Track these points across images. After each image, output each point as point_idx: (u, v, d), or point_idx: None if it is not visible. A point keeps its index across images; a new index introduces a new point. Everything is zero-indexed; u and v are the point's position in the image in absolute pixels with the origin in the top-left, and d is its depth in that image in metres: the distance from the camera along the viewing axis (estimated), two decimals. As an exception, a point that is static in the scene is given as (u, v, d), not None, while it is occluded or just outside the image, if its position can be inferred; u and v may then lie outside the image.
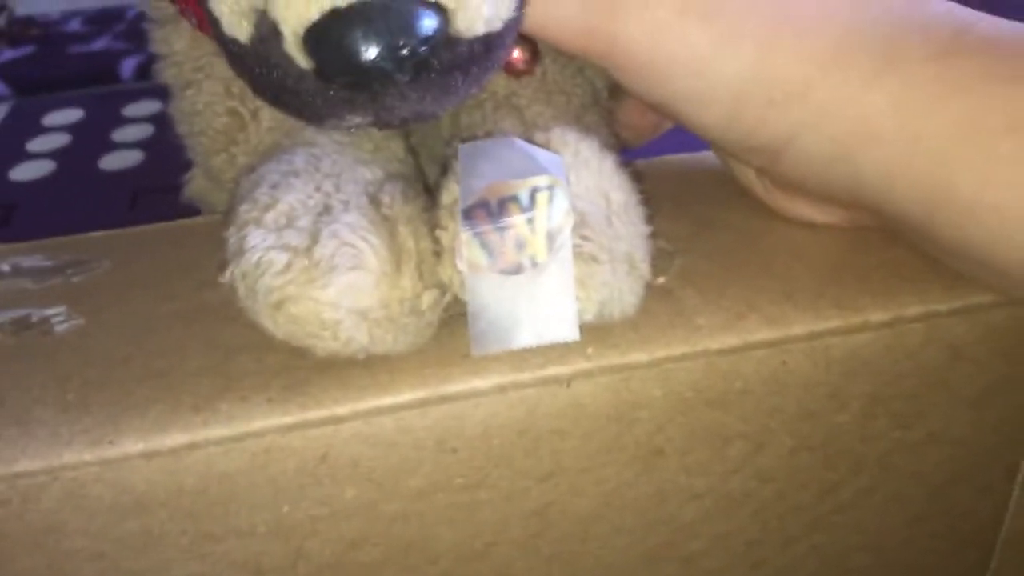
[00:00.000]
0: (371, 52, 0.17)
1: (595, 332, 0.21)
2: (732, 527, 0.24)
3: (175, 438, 0.19)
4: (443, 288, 0.20)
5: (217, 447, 0.20)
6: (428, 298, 0.20)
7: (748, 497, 0.24)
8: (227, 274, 0.19)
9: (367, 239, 0.19)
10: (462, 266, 0.19)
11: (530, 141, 0.20)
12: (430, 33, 0.17)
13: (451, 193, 0.20)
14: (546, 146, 0.20)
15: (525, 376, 0.21)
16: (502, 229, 0.19)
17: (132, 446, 0.19)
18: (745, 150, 0.23)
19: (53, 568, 0.20)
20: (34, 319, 0.23)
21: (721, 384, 0.22)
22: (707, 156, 0.28)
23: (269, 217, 0.19)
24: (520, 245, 0.19)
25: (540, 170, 0.19)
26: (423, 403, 0.21)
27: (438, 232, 0.20)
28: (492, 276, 0.19)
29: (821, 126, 0.21)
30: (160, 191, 0.31)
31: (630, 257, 0.20)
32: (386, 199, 0.20)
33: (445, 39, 0.18)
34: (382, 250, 0.19)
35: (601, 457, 0.22)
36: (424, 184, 0.23)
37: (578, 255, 0.19)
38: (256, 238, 0.19)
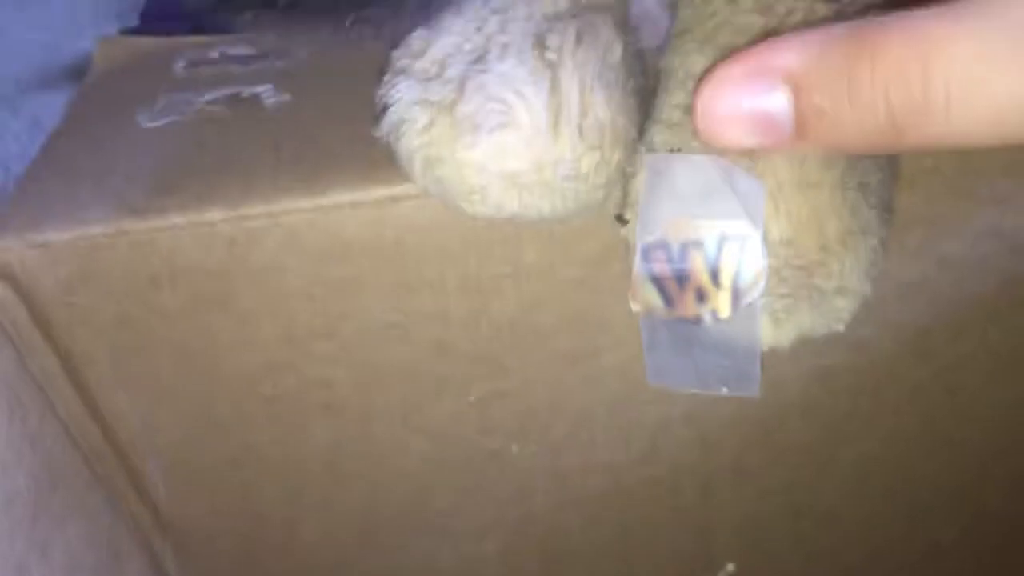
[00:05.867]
0: None
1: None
2: None
3: (378, 191, 0.21)
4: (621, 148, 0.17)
5: (414, 201, 0.21)
6: (589, 160, 0.17)
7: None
8: (380, 127, 0.18)
9: (520, 92, 0.17)
10: (635, 306, 0.17)
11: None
12: None
13: (635, 193, 0.17)
14: (750, 169, 0.17)
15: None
16: (681, 278, 0.17)
17: (340, 196, 0.21)
18: None
19: (271, 306, 0.23)
20: (245, 95, 0.25)
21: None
22: None
23: (419, 65, 0.18)
24: (701, 297, 0.16)
25: (734, 208, 0.16)
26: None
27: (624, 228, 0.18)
28: (668, 320, 0.17)
29: None
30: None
31: (842, 289, 0.17)
32: (553, 41, 0.17)
33: None
34: (536, 105, 0.17)
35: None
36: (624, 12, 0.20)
37: (770, 308, 0.16)
38: (402, 90, 0.17)
